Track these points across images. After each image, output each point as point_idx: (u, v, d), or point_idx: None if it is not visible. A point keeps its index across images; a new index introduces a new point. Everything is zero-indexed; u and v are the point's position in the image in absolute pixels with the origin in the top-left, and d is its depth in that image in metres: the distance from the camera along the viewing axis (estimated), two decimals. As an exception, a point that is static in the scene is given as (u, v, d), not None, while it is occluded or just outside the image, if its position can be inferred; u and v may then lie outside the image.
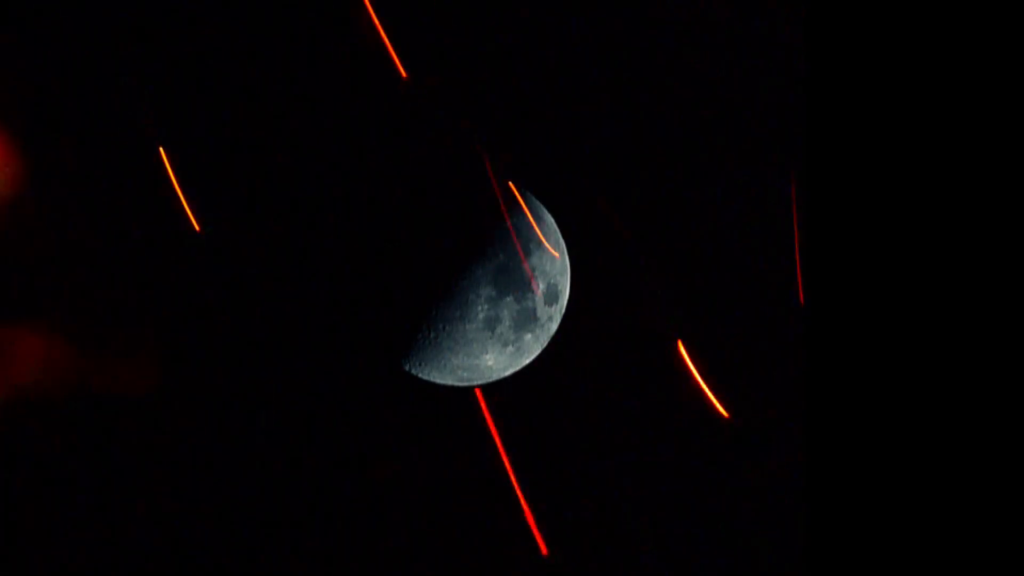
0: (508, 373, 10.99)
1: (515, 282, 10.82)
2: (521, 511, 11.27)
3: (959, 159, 8.37)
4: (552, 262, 10.92)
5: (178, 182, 10.74)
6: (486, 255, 10.78)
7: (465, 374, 10.90)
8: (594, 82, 11.01)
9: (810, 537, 8.43)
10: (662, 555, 11.20)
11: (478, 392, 10.90)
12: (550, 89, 11.01)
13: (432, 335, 10.80)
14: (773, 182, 11.08)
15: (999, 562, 8.04)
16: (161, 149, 10.64)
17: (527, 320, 10.89)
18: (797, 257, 10.15)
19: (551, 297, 10.93)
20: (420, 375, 10.93)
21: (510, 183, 10.29)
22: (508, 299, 10.81)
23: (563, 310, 11.02)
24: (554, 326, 10.99)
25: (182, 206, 10.69)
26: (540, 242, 10.87)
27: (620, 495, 11.16)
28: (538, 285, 9.95)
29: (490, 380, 10.96)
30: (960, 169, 8.37)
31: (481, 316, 10.80)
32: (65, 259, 10.66)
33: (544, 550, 11.14)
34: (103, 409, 10.67)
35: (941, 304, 8.26)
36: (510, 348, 10.91)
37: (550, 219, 10.98)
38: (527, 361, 11.01)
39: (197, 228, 10.65)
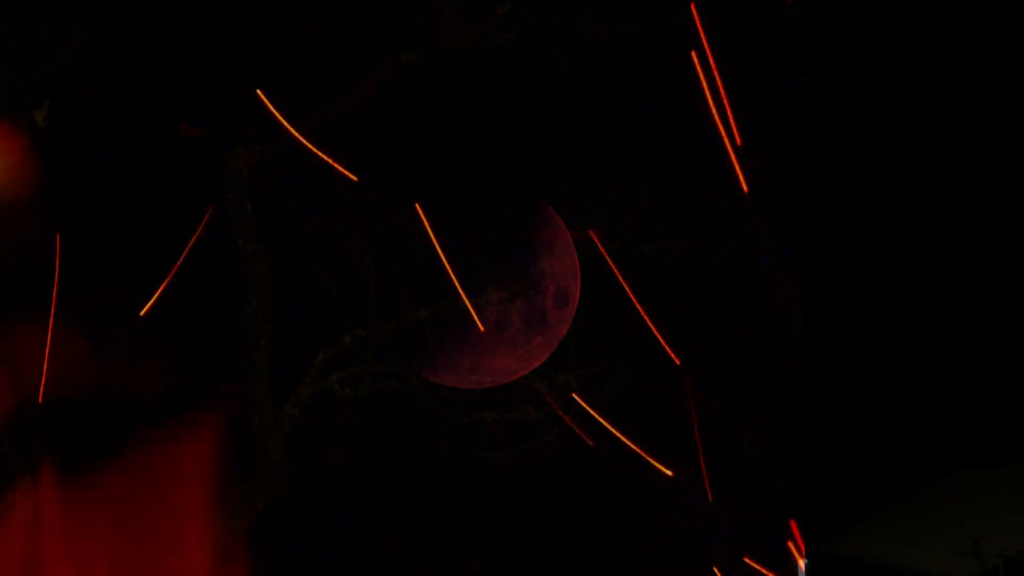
0: (518, 376, 10.97)
1: (524, 285, 10.83)
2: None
3: (958, 167, 8.43)
4: (562, 265, 10.93)
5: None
6: (494, 258, 10.81)
7: (475, 377, 10.89)
8: (603, 90, 11.04)
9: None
10: (670, 555, 11.29)
11: None
12: (560, 96, 11.03)
13: (441, 338, 10.82)
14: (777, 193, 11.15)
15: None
16: None
17: (537, 323, 10.90)
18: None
19: (561, 300, 10.93)
20: (430, 378, 10.93)
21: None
22: (518, 302, 10.83)
23: (573, 313, 11.03)
24: (564, 329, 10.98)
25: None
26: (550, 246, 10.88)
27: (628, 494, 11.23)
28: None
29: (500, 383, 10.95)
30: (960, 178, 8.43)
31: (491, 319, 10.81)
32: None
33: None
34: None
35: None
36: (520, 351, 10.90)
37: (560, 223, 10.99)
38: (536, 364, 11.00)
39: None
